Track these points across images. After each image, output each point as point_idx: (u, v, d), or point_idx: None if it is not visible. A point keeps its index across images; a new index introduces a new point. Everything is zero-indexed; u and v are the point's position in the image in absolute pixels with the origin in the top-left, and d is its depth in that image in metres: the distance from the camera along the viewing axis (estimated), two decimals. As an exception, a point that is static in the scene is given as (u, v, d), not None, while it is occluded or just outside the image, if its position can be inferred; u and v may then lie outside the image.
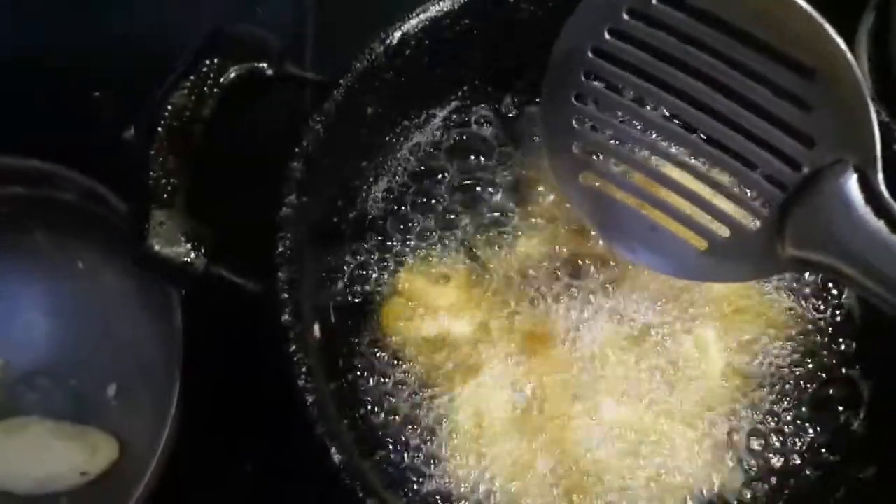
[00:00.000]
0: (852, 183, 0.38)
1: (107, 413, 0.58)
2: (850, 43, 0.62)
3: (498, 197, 0.52)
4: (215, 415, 0.55)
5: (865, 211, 0.37)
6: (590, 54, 0.43)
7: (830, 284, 0.51)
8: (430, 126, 0.53)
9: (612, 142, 0.46)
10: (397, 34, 0.46)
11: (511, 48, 0.51)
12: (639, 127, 0.45)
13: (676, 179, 0.44)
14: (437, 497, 0.46)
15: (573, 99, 0.44)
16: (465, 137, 0.53)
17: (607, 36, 0.42)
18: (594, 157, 0.46)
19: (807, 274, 0.51)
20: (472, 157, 0.53)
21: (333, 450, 0.38)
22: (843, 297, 0.51)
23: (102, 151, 0.53)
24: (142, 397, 0.58)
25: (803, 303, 0.51)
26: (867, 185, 0.38)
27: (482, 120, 0.54)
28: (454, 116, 0.54)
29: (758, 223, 0.42)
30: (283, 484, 0.56)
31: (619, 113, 0.44)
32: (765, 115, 0.40)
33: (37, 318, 0.60)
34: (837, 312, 0.51)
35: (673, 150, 0.45)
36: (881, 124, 0.44)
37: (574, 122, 0.45)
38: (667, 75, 0.41)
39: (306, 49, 0.63)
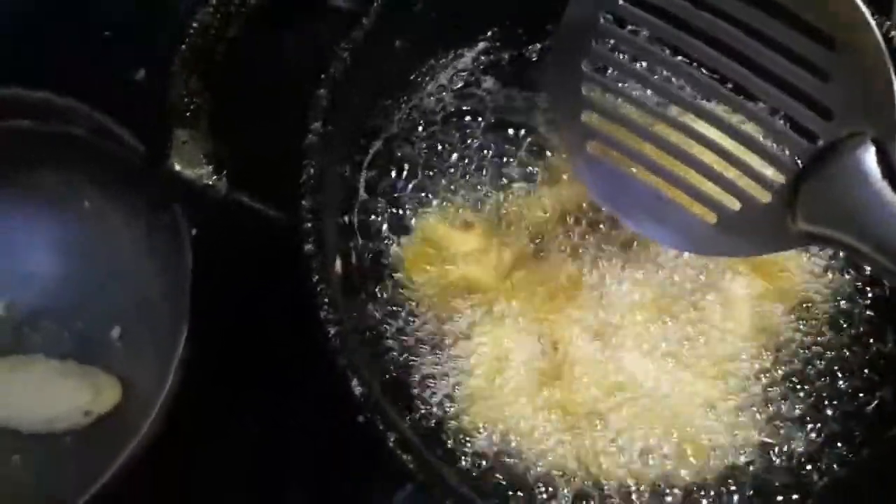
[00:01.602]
0: (870, 156, 0.36)
1: (111, 355, 0.57)
2: (888, 12, 0.61)
3: (524, 144, 0.51)
4: (222, 362, 0.53)
5: (882, 185, 0.35)
6: (602, 20, 0.41)
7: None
8: (457, 66, 0.52)
9: (623, 111, 0.45)
10: (427, -34, 0.45)
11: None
12: (650, 95, 0.44)
13: (687, 151, 0.42)
14: (455, 439, 0.45)
15: (583, 65, 0.43)
16: (491, 81, 0.52)
17: (621, 1, 0.40)
18: (603, 127, 0.45)
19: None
20: (499, 102, 0.52)
21: (355, 382, 0.37)
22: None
23: (116, 88, 0.51)
24: (147, 341, 0.57)
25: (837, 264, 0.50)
26: (885, 159, 0.36)
27: (510, 65, 0.52)
28: (482, 58, 0.52)
29: (769, 196, 0.40)
30: (287, 434, 0.55)
31: (631, 81, 0.43)
32: (781, 85, 0.38)
33: (41, 256, 0.59)
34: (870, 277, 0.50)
35: (685, 119, 0.43)
36: None
37: (583, 89, 0.44)
38: (680, 42, 0.40)
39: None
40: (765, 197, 0.40)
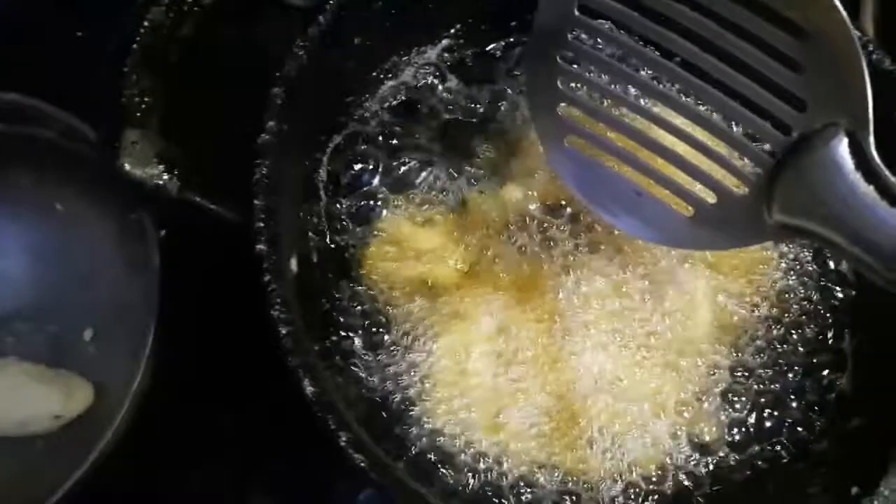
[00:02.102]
0: (843, 147, 0.36)
1: (83, 357, 0.57)
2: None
3: (488, 141, 0.51)
4: (191, 359, 0.53)
5: (856, 176, 0.36)
6: (576, 12, 0.41)
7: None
8: (419, 63, 0.51)
9: (599, 103, 0.45)
10: (387, -38, 0.45)
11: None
12: (626, 88, 0.43)
13: (663, 144, 0.42)
14: (415, 439, 0.44)
15: (558, 59, 0.43)
16: (454, 78, 0.52)
17: None
18: (579, 120, 0.45)
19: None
20: (461, 99, 0.52)
21: (306, 382, 0.37)
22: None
23: (85, 89, 0.51)
24: (119, 342, 0.57)
25: (797, 259, 0.50)
26: (858, 150, 0.36)
27: (474, 61, 0.52)
28: (445, 55, 0.52)
29: (745, 189, 0.40)
30: (253, 433, 0.55)
31: (607, 74, 0.43)
32: (755, 77, 0.38)
33: (13, 260, 0.59)
34: (832, 268, 0.50)
35: (661, 112, 0.43)
36: (885, 73, 0.44)
37: (559, 82, 0.44)
38: (655, 34, 0.40)
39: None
40: (741, 189, 0.40)
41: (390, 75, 0.51)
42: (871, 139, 0.36)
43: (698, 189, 0.42)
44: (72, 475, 0.47)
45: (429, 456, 0.44)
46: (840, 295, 0.49)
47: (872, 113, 0.36)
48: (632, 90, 0.45)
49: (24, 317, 0.58)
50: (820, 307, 0.49)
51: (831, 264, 0.50)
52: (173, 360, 0.51)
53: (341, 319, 0.46)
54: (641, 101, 0.44)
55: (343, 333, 0.46)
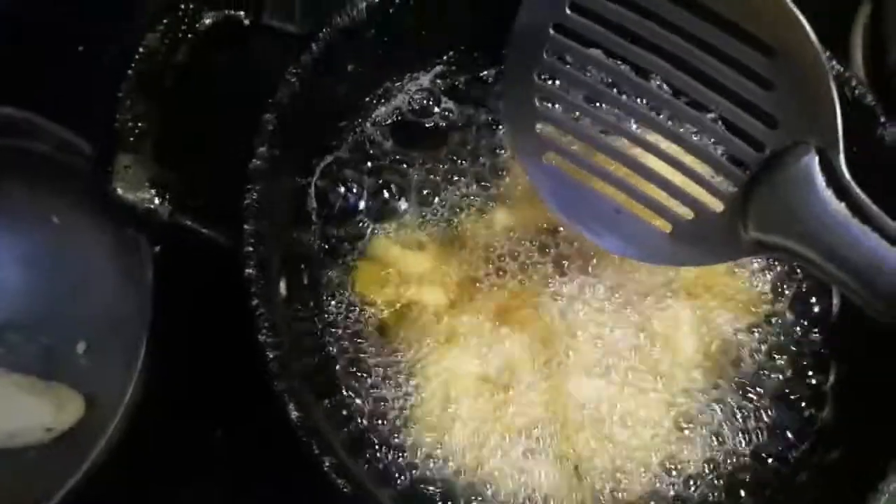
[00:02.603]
0: (814, 165, 0.37)
1: (75, 370, 0.57)
2: (846, 32, 0.61)
3: (478, 166, 0.51)
4: (183, 374, 0.54)
5: (827, 193, 0.36)
6: (551, 31, 0.42)
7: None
8: (412, 90, 0.52)
9: (576, 122, 0.45)
10: (382, -10, 0.45)
11: (502, 14, 0.50)
12: (603, 106, 0.44)
13: (641, 161, 0.43)
14: (401, 465, 0.45)
15: (535, 77, 0.43)
16: (447, 104, 0.52)
17: (569, 11, 0.41)
18: (558, 138, 0.45)
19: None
20: (454, 125, 0.52)
21: (291, 406, 0.37)
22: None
23: (80, 103, 0.52)
24: (112, 355, 0.57)
25: (778, 286, 0.50)
26: (829, 167, 0.37)
27: (466, 87, 0.53)
28: (438, 81, 0.52)
29: (722, 206, 0.41)
30: (242, 452, 0.55)
31: (583, 92, 0.43)
32: (727, 95, 0.39)
33: (7, 270, 0.59)
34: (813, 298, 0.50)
35: (637, 130, 0.44)
36: (867, 108, 0.44)
37: (537, 100, 0.44)
38: (628, 53, 0.40)
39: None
40: (717, 206, 0.41)
41: (383, 100, 0.51)
42: (842, 157, 0.37)
43: (676, 206, 0.43)
44: (63, 486, 0.47)
45: (414, 482, 0.44)
46: (820, 329, 0.50)
47: (842, 133, 0.36)
48: (609, 110, 0.45)
49: (17, 327, 0.59)
50: (802, 340, 0.49)
51: (813, 298, 0.50)
52: (165, 375, 0.51)
53: (330, 342, 0.47)
54: (618, 119, 0.45)
55: (331, 355, 0.46)
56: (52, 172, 0.56)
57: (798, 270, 0.50)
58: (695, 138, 0.42)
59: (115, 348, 0.56)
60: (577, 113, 0.45)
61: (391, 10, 0.46)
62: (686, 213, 0.42)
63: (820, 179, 0.37)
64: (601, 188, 0.45)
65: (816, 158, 0.37)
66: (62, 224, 0.60)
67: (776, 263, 0.50)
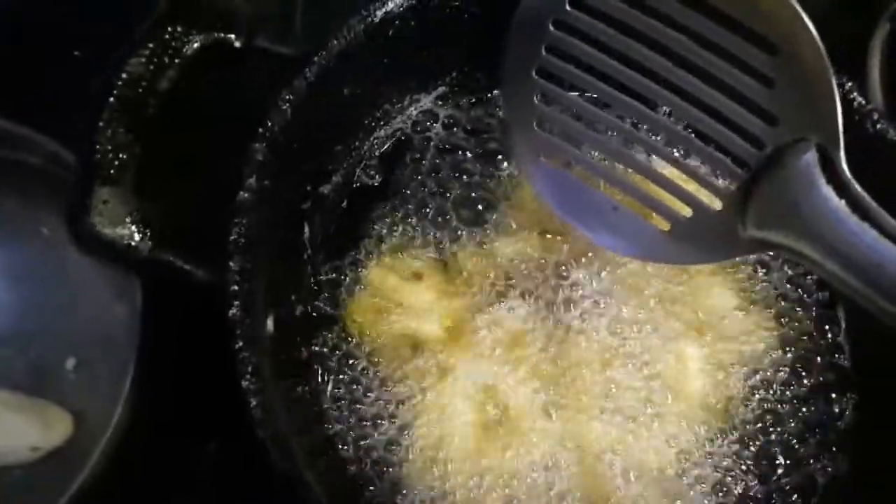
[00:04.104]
0: (814, 162, 0.37)
1: (64, 386, 0.57)
2: (864, 53, 0.59)
3: (478, 194, 0.50)
4: (171, 392, 0.52)
5: (827, 191, 0.36)
6: (551, 27, 0.41)
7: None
8: (412, 112, 0.50)
9: (575, 120, 0.44)
10: (380, 13, 0.43)
11: (504, 33, 0.48)
12: (602, 104, 0.43)
13: (639, 159, 0.43)
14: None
15: (534, 74, 0.43)
16: (448, 127, 0.50)
17: (568, 7, 0.40)
18: (556, 136, 0.44)
19: (799, 289, 0.49)
20: (455, 149, 0.50)
21: (277, 458, 0.36)
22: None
23: (74, 114, 0.50)
24: (101, 372, 0.56)
25: (788, 318, 0.48)
26: (829, 165, 0.36)
27: (468, 109, 0.51)
28: (440, 103, 0.51)
29: (720, 203, 0.40)
30: (235, 467, 0.54)
31: (583, 89, 0.42)
32: (729, 92, 0.39)
33: (-2, 284, 0.58)
34: (827, 329, 0.48)
35: (636, 128, 0.44)
36: (890, 143, 0.42)
37: (535, 98, 0.44)
38: (630, 50, 0.40)
39: (295, 20, 0.59)
40: (716, 204, 0.41)
41: (382, 122, 0.49)
42: (843, 154, 0.36)
43: (675, 204, 0.42)
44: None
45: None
46: (838, 366, 0.48)
47: (843, 132, 0.36)
48: (608, 107, 0.44)
49: (6, 342, 0.57)
50: (815, 379, 0.47)
51: (829, 334, 0.48)
52: (153, 394, 0.50)
53: (319, 371, 0.45)
54: (618, 118, 0.44)
55: (320, 386, 0.45)
56: (44, 185, 0.55)
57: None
58: (693, 136, 0.41)
59: (105, 366, 0.56)
60: (576, 112, 0.44)
61: (391, 32, 0.44)
62: (684, 210, 0.42)
63: (820, 176, 0.36)
64: (599, 187, 0.45)
65: (817, 155, 0.37)
66: (52, 236, 0.58)
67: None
